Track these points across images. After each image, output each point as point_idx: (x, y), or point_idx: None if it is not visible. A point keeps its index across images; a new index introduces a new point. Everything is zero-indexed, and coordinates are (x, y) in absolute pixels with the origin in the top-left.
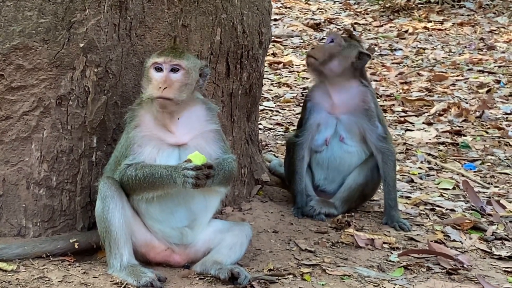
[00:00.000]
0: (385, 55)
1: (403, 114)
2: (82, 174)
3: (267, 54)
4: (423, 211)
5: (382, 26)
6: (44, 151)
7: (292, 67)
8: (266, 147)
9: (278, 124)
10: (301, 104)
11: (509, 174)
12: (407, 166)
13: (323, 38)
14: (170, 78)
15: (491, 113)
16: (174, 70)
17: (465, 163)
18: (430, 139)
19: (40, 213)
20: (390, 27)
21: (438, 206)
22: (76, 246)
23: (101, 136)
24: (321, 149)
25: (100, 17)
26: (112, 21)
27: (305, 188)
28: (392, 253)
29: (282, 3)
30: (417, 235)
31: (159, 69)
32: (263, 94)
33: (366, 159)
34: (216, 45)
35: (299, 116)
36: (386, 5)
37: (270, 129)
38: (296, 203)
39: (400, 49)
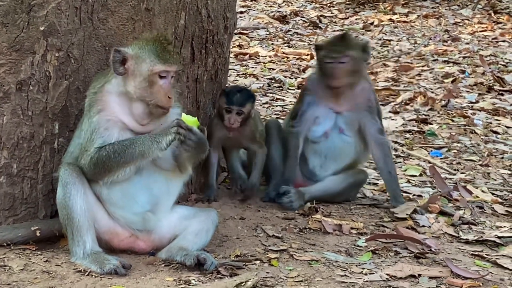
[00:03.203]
0: None
1: None
2: (44, 161)
3: (233, 45)
4: (390, 197)
5: (347, 18)
6: (4, 137)
7: (258, 58)
8: None
9: None
10: (267, 94)
11: (475, 160)
12: None
13: (288, 30)
14: (171, 85)
15: (456, 102)
16: (172, 77)
17: (431, 151)
18: (396, 127)
19: (1, 201)
20: (356, 19)
21: (405, 192)
22: (37, 234)
23: (63, 122)
24: (319, 140)
25: (61, 0)
26: (73, 4)
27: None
28: (359, 238)
29: None
30: (385, 220)
31: (163, 77)
32: (229, 84)
33: (355, 171)
34: (180, 30)
35: (264, 105)
36: None
37: None
38: (272, 189)
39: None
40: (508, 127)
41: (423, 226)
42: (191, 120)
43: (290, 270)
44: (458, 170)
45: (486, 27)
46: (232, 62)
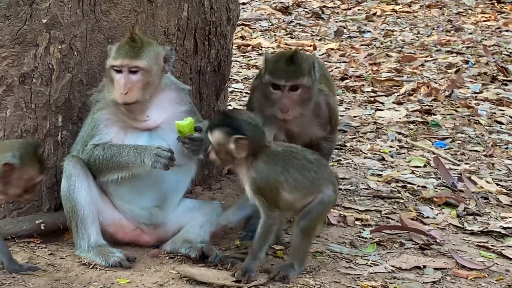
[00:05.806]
0: (354, 37)
1: (373, 94)
2: (48, 154)
3: (236, 37)
4: (395, 188)
5: (350, 9)
6: (7, 130)
7: (261, 50)
8: None
9: None
10: None
11: (479, 151)
12: (378, 144)
13: (291, 21)
14: (131, 80)
15: (460, 92)
16: (132, 71)
17: (435, 141)
18: (400, 118)
19: None
20: (359, 9)
21: (409, 183)
22: (42, 227)
23: (67, 115)
24: None
25: None
26: None
27: None
28: (364, 230)
29: None
30: (390, 211)
31: (118, 71)
32: (232, 76)
33: None
34: (183, 21)
35: None
36: None
37: None
38: None
39: (369, 31)
40: None
41: (428, 217)
42: (184, 124)
43: None
44: (462, 161)
45: (489, 16)
46: (235, 54)
